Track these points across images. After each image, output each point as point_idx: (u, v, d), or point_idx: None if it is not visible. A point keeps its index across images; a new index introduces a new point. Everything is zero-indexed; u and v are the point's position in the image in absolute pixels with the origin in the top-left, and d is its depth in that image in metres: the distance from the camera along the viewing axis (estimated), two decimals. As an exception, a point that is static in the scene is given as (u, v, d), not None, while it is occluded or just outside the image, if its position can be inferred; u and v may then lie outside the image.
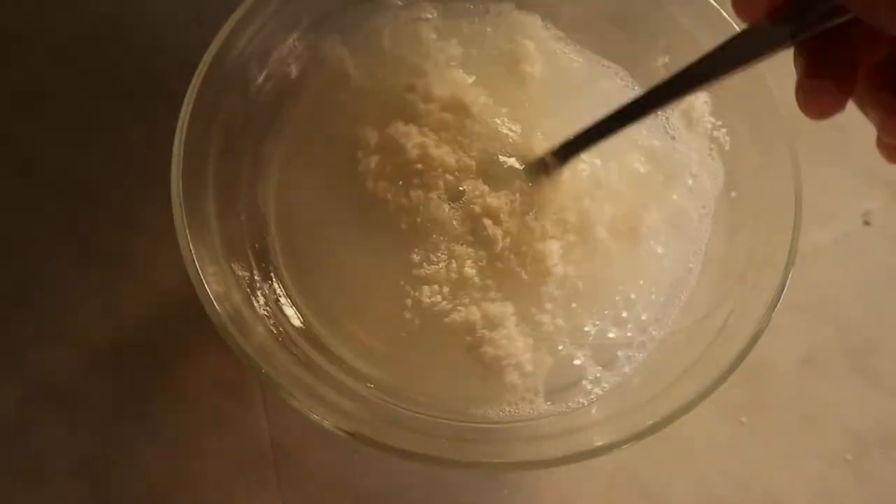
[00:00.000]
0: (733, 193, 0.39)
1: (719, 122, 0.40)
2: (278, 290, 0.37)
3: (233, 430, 0.41)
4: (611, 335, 0.37)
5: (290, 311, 0.36)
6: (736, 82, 0.29)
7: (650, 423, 0.31)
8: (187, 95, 0.34)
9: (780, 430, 0.44)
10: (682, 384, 0.33)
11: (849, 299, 0.47)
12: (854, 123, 0.50)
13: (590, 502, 0.41)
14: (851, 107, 0.50)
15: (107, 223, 0.44)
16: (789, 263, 0.34)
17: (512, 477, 0.41)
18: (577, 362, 0.36)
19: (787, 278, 0.34)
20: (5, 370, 0.41)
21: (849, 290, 0.48)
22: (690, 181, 0.40)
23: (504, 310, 0.35)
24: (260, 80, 0.38)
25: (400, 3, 0.42)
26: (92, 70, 0.47)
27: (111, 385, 0.42)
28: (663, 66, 0.41)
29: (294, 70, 0.40)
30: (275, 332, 0.34)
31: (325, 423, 0.30)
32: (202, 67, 0.34)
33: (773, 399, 0.44)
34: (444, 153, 0.36)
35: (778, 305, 0.33)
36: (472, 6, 0.42)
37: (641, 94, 0.30)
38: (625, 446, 0.31)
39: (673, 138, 0.41)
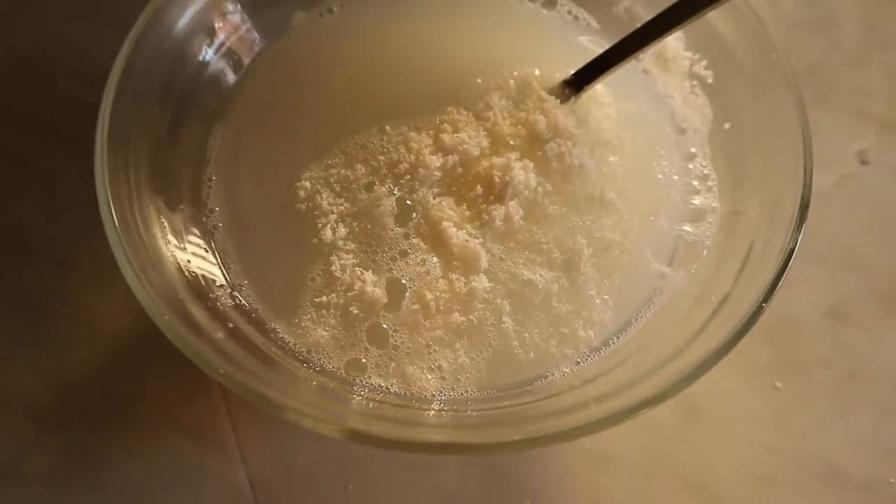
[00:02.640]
0: (727, 125, 0.36)
1: (697, 56, 0.37)
2: (230, 289, 0.32)
3: (205, 480, 0.36)
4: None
5: (245, 307, 0.32)
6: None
7: (681, 376, 0.27)
8: (105, 92, 0.30)
9: (819, 389, 0.39)
10: (704, 335, 0.29)
11: (865, 242, 0.44)
12: (834, 64, 0.49)
13: (627, 499, 0.36)
14: (832, 49, 0.49)
15: (42, 268, 0.39)
16: (804, 196, 0.30)
17: (535, 485, 0.36)
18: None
19: (804, 214, 0.30)
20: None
21: (862, 232, 0.44)
22: (679, 122, 0.37)
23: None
24: (200, 64, 0.35)
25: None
26: (16, 109, 0.43)
27: (58, 450, 0.36)
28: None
29: (239, 59, 0.36)
30: (234, 333, 0.29)
31: (323, 429, 0.25)
32: (119, 63, 0.31)
33: (806, 358, 0.40)
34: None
35: (796, 248, 0.29)
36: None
37: (645, 23, 0.32)
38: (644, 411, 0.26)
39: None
